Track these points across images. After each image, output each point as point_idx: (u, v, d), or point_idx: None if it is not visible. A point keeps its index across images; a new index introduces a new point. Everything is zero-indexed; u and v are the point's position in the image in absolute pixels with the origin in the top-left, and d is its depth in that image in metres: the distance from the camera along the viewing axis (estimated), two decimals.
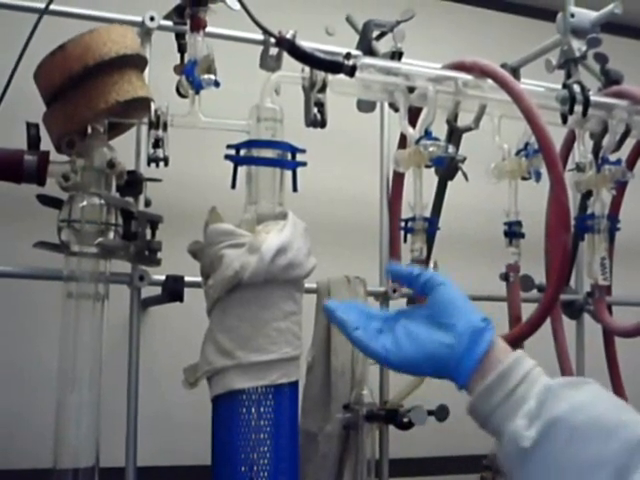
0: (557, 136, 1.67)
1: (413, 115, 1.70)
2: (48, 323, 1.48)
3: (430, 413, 1.65)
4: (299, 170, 1.49)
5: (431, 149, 1.60)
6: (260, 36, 1.65)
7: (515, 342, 1.66)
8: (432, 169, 1.73)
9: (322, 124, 1.59)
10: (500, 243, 1.79)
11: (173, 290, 1.56)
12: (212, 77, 1.48)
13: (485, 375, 1.11)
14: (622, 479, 1.00)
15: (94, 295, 1.42)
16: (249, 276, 1.38)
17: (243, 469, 1.38)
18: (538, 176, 1.72)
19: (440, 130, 1.71)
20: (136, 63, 1.45)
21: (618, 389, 1.96)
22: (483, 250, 2.05)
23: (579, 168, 1.84)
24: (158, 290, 1.61)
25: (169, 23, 1.62)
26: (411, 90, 1.68)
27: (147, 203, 1.58)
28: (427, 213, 1.70)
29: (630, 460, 1.01)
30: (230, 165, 1.48)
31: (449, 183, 1.84)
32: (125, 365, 1.58)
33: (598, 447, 1.03)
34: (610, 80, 1.96)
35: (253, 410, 1.39)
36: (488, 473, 2.01)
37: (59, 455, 1.40)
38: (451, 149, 1.64)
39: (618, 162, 1.83)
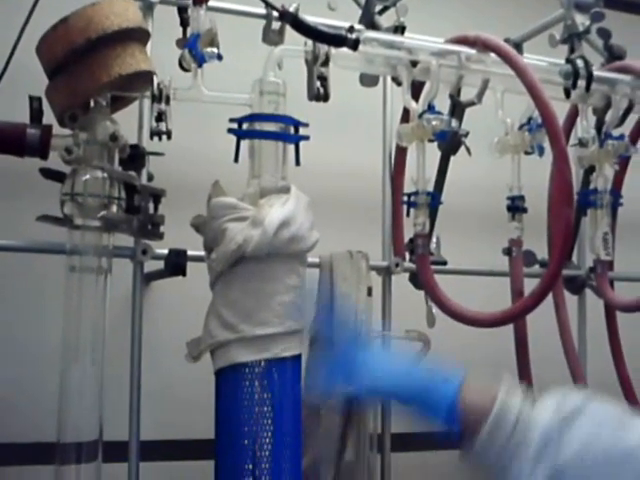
0: (559, 112, 1.67)
1: (416, 89, 1.70)
2: (50, 297, 1.48)
3: None
4: (302, 144, 1.49)
5: (434, 123, 1.60)
6: (263, 10, 1.64)
7: (517, 316, 1.67)
8: (435, 144, 1.73)
9: (325, 97, 1.58)
10: (502, 218, 1.79)
11: (176, 264, 1.56)
12: (215, 50, 1.48)
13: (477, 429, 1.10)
14: None
15: (97, 269, 1.42)
16: (252, 249, 1.38)
17: (246, 442, 1.38)
18: (541, 150, 1.72)
19: (443, 105, 1.71)
20: (139, 37, 1.44)
21: (619, 363, 1.97)
22: (485, 225, 2.05)
23: (582, 143, 1.84)
24: (161, 265, 1.61)
25: None
26: (414, 64, 1.68)
27: (150, 177, 1.58)
28: (430, 188, 1.70)
29: None
30: (233, 139, 1.47)
31: (452, 158, 1.84)
32: (128, 340, 1.58)
33: None
34: (613, 55, 1.96)
35: (256, 383, 1.39)
36: None
37: (62, 429, 1.41)
38: (454, 123, 1.64)
39: (621, 137, 1.83)
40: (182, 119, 1.51)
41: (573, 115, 1.93)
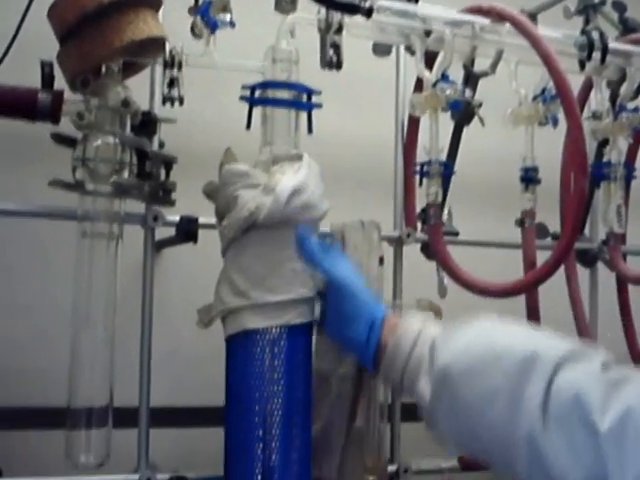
0: (573, 86, 1.66)
1: (429, 59, 1.68)
2: (61, 263, 1.49)
3: None
4: (314, 113, 1.48)
5: (448, 92, 1.60)
6: None
7: (529, 287, 1.67)
8: (448, 115, 1.72)
9: (338, 65, 1.58)
10: (515, 191, 1.79)
11: (187, 231, 1.56)
12: (227, 17, 1.47)
13: (384, 355, 1.28)
14: (517, 400, 1.07)
15: (108, 234, 1.43)
16: (264, 217, 1.37)
17: (257, 408, 1.39)
18: (555, 122, 1.71)
19: (456, 77, 1.70)
20: (151, 2, 1.44)
21: (630, 337, 1.97)
22: (498, 197, 2.05)
23: (595, 116, 1.83)
24: (172, 232, 1.61)
25: None
26: (427, 34, 1.67)
27: (161, 145, 1.57)
28: (442, 158, 1.70)
29: (518, 380, 1.08)
30: (245, 106, 1.47)
31: (465, 130, 1.83)
32: (138, 307, 1.58)
33: (485, 383, 1.11)
34: (628, 28, 1.94)
35: (267, 350, 1.39)
36: None
37: (73, 394, 1.42)
38: (468, 93, 1.63)
39: (635, 110, 1.82)
40: (194, 87, 1.50)
41: (587, 88, 1.92)
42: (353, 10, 1.53)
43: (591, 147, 1.89)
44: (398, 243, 1.78)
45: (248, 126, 1.46)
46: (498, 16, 1.67)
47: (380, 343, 1.29)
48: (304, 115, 1.48)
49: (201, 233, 1.58)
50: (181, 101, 1.48)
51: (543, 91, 1.73)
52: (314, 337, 1.49)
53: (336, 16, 1.56)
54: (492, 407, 1.09)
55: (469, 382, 1.13)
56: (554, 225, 1.94)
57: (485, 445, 1.14)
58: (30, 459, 1.67)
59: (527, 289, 1.69)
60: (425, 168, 1.68)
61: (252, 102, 1.47)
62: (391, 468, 1.73)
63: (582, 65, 1.78)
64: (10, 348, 1.69)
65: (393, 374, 1.28)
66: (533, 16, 1.85)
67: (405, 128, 1.79)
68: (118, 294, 1.45)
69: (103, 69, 1.42)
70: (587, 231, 2.05)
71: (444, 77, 1.62)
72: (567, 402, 1.03)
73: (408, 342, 1.25)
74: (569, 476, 1.01)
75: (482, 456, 1.18)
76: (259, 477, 1.39)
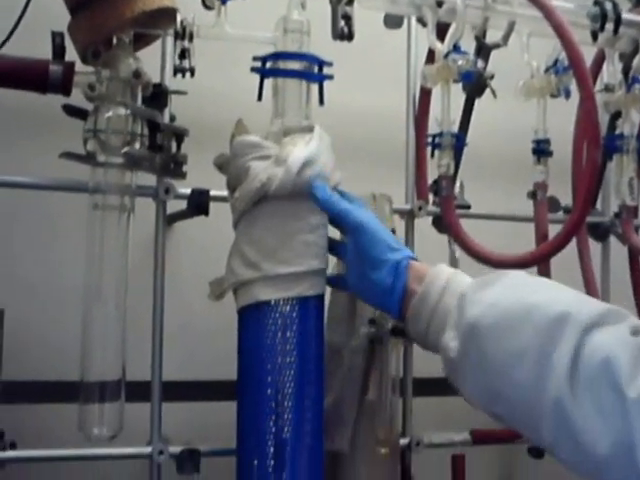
0: (586, 58, 1.65)
1: (441, 31, 1.68)
2: (73, 236, 1.49)
3: None
4: (325, 86, 1.48)
5: (460, 63, 1.59)
6: None
7: (541, 259, 1.67)
8: (460, 88, 1.72)
9: (349, 37, 1.57)
10: (527, 164, 1.78)
11: (199, 203, 1.56)
12: None
13: (410, 302, 1.24)
14: (545, 358, 1.05)
15: (120, 206, 1.43)
16: (276, 188, 1.37)
17: (269, 379, 1.39)
18: (567, 93, 1.70)
19: (468, 48, 1.69)
20: None
21: None
22: (510, 171, 2.04)
23: (608, 88, 1.82)
24: (183, 206, 1.61)
25: None
26: (439, 5, 1.66)
27: (172, 119, 1.57)
28: (454, 130, 1.70)
29: (548, 339, 1.06)
30: (256, 78, 1.46)
31: (477, 103, 1.82)
32: (150, 281, 1.59)
33: (514, 339, 1.09)
34: None
35: (279, 322, 1.39)
36: None
37: (86, 368, 1.43)
38: (480, 64, 1.63)
39: None
40: (205, 59, 1.51)
41: (600, 60, 1.91)
42: None
43: (603, 120, 1.88)
44: (410, 216, 1.78)
45: (259, 97, 1.45)
46: None
47: (406, 289, 1.26)
48: (315, 87, 1.48)
49: (212, 207, 1.58)
50: (192, 72, 1.48)
51: (555, 63, 1.72)
52: (326, 309, 1.49)
53: None
54: (520, 365, 1.07)
55: (498, 337, 1.10)
56: (566, 199, 1.93)
57: (510, 406, 1.11)
58: (43, 432, 1.68)
59: (540, 261, 1.69)
60: (437, 140, 1.68)
61: (263, 73, 1.46)
62: (403, 441, 1.74)
63: (594, 36, 1.77)
64: (23, 322, 1.69)
65: (418, 325, 1.24)
66: None
67: (417, 100, 1.79)
68: (130, 268, 1.45)
69: (114, 40, 1.42)
70: (599, 205, 2.04)
71: (456, 48, 1.62)
72: (596, 365, 1.01)
73: (435, 292, 1.22)
74: (597, 441, 0.99)
75: (506, 418, 1.14)
76: (271, 449, 1.39)
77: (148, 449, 1.55)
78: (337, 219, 1.38)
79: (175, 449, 1.56)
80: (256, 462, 1.40)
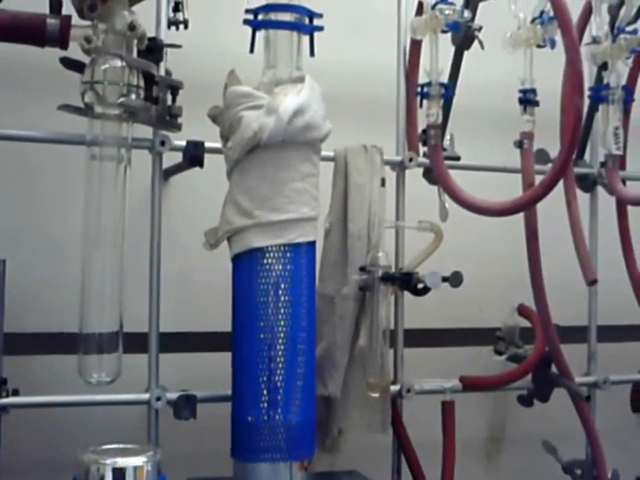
0: (573, 12, 1.65)
1: None
2: (73, 188, 1.51)
3: (445, 280, 1.67)
4: (317, 41, 1.51)
5: (447, 12, 1.62)
6: None
7: (527, 205, 1.68)
8: (449, 40, 1.74)
9: None
10: (516, 118, 1.79)
11: (194, 155, 1.59)
12: None
13: None
14: None
15: (117, 157, 1.45)
16: (267, 137, 1.40)
17: (262, 325, 1.43)
18: (553, 43, 1.70)
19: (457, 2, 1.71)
20: None
21: (630, 261, 1.99)
22: (499, 124, 2.04)
23: (595, 41, 1.83)
24: (179, 160, 1.64)
25: None
26: None
27: (167, 74, 1.58)
28: (444, 79, 1.72)
29: None
30: (248, 31, 1.49)
31: (468, 60, 1.84)
32: (147, 234, 1.62)
33: None
34: None
35: (272, 268, 1.43)
36: (501, 344, 2.06)
37: (85, 320, 1.46)
38: (467, 14, 1.65)
39: (634, 32, 1.82)
40: (198, 13, 1.53)
41: (587, 13, 1.91)
42: None
43: (591, 73, 1.90)
44: (401, 167, 1.81)
45: (251, 49, 1.48)
46: None
47: None
48: (306, 40, 1.50)
49: (207, 160, 1.61)
50: (186, 25, 1.51)
51: (541, 14, 1.73)
52: (319, 258, 1.52)
53: None
54: None
55: None
56: (555, 151, 1.94)
57: None
58: (46, 381, 1.71)
59: (526, 207, 1.69)
60: (425, 89, 1.70)
61: (255, 25, 1.49)
62: (394, 388, 1.77)
63: None
64: (29, 278, 1.72)
65: None
66: None
67: (407, 53, 1.81)
68: (127, 221, 1.47)
69: None
70: (587, 157, 2.06)
71: (444, 0, 1.64)
72: None
73: None
74: None
75: None
76: (265, 392, 1.44)
77: (146, 395, 1.59)
78: None
79: (173, 395, 1.60)
80: (250, 405, 1.44)
